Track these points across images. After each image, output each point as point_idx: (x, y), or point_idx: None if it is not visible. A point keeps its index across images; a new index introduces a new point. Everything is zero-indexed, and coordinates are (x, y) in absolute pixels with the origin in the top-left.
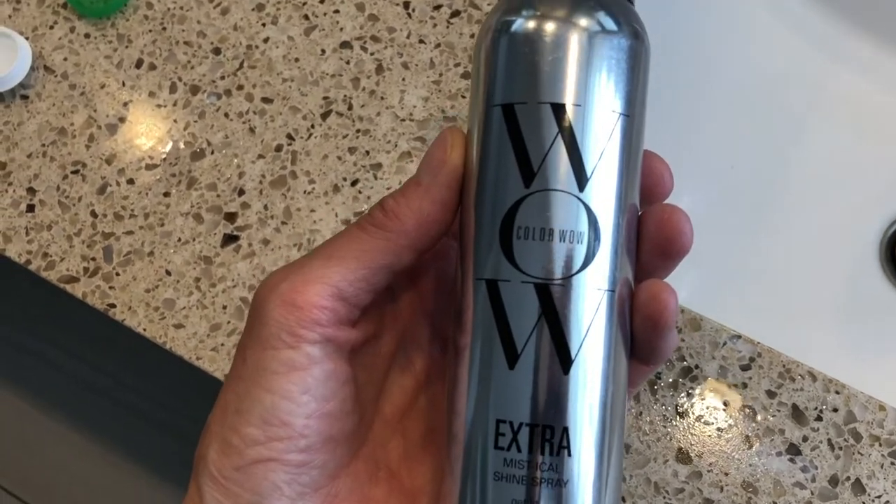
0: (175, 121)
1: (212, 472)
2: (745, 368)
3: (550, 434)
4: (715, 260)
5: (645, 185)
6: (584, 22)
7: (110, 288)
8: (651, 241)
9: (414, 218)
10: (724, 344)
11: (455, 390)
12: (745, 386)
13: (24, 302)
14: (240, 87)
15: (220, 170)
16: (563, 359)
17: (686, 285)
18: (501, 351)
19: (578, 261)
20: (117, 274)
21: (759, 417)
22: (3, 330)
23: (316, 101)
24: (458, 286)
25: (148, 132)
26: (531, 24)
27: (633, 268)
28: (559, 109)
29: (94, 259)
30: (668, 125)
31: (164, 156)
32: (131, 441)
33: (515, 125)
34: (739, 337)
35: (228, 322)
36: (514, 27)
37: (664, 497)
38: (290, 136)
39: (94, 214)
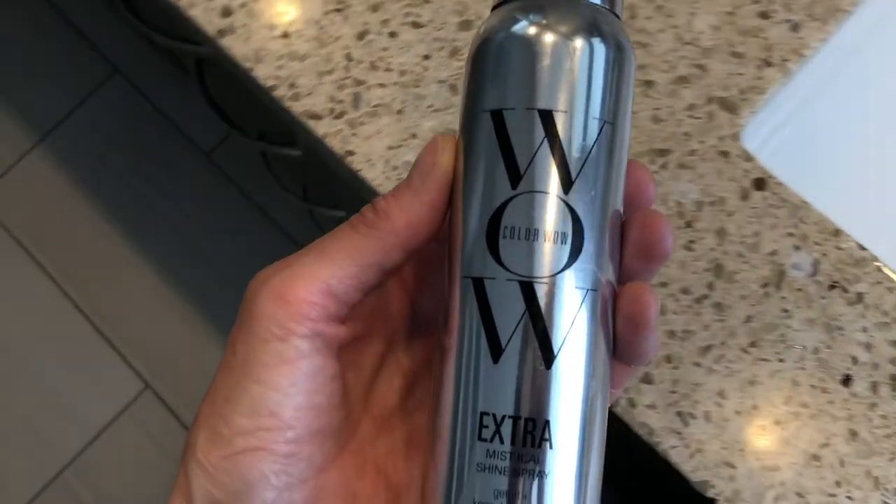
0: None
1: (199, 460)
2: None
3: (532, 426)
4: None
5: (629, 194)
6: (572, 33)
7: (353, 135)
8: (634, 245)
9: (404, 218)
10: None
11: (441, 387)
12: None
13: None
14: None
15: None
16: (546, 354)
17: None
18: (486, 346)
19: (562, 260)
20: (362, 123)
21: None
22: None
23: None
24: (446, 286)
25: None
26: (521, 34)
27: (616, 271)
28: (546, 116)
29: (341, 102)
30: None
31: (431, 18)
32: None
33: (504, 130)
34: None
35: None
36: (505, 36)
37: (882, 494)
38: None
39: (349, 58)
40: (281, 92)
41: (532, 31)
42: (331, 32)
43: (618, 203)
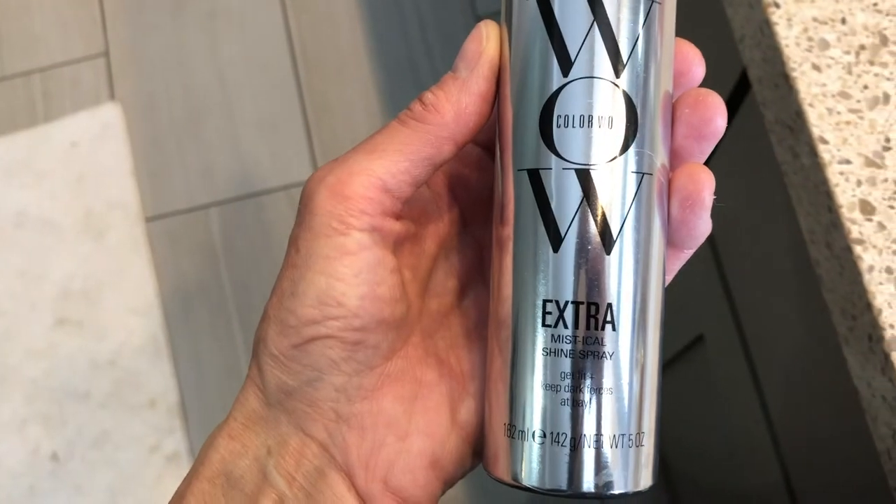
0: None
1: (272, 352)
2: None
3: (595, 310)
4: None
5: (677, 72)
6: None
7: None
8: (686, 124)
9: (453, 110)
10: None
11: (501, 278)
12: None
13: None
14: None
15: None
16: (606, 239)
17: None
18: (546, 236)
19: (617, 146)
20: None
21: None
22: None
23: None
24: (499, 180)
25: None
26: None
27: (668, 153)
28: None
29: None
30: None
31: None
32: None
33: (551, 15)
34: None
35: None
36: None
37: None
38: None
39: None
40: None
41: None
42: None
43: (668, 84)
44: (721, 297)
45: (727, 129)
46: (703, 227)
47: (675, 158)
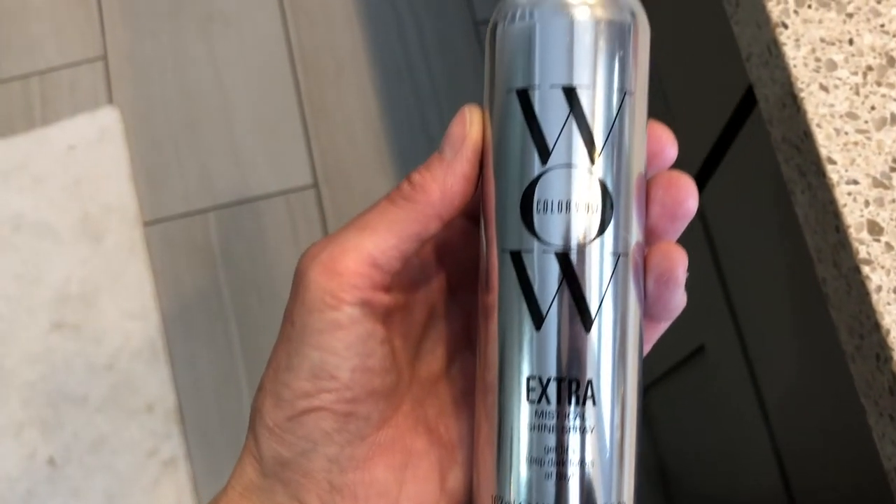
0: None
1: (267, 424)
2: None
3: (576, 386)
4: None
5: (650, 153)
6: (590, 9)
7: (794, 11)
8: (660, 205)
9: (438, 190)
10: None
11: (487, 345)
12: None
13: None
14: None
15: None
16: (585, 318)
17: None
18: (528, 314)
19: (594, 229)
20: (809, 6)
21: None
22: None
23: None
24: (484, 254)
25: None
26: (539, 14)
27: (643, 231)
28: (570, 92)
29: None
30: None
31: None
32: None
33: (530, 108)
34: None
35: None
36: (524, 17)
37: None
38: None
39: None
40: None
41: (550, 9)
42: None
43: (641, 166)
44: (723, 308)
45: (732, 142)
46: (678, 301)
47: (650, 235)
